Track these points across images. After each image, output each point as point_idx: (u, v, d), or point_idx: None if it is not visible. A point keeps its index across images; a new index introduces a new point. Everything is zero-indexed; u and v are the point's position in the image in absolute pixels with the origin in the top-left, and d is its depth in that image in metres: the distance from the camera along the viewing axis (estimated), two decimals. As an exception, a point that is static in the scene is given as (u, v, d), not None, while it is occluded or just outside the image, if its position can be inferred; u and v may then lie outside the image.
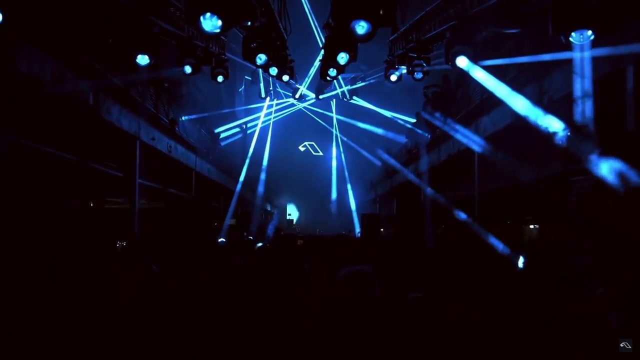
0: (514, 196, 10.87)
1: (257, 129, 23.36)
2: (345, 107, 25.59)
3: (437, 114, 14.33)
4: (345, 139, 27.66)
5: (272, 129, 25.03)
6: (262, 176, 21.12)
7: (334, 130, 28.20)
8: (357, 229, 23.72)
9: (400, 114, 19.50)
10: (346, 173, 28.34)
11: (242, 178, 18.88)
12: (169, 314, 2.93)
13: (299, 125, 27.92)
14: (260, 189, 20.56)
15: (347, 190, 27.92)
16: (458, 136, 12.20)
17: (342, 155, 28.54)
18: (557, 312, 2.67)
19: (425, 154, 15.74)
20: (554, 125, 7.06)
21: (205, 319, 2.95)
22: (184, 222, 14.92)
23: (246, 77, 23.29)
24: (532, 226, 12.26)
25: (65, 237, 8.13)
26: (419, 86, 14.89)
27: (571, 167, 7.21)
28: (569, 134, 6.68)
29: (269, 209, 27.43)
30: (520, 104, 8.00)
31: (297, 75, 20.84)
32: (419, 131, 16.69)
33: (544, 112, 7.25)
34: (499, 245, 9.07)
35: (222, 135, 19.89)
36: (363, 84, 21.58)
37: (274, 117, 24.63)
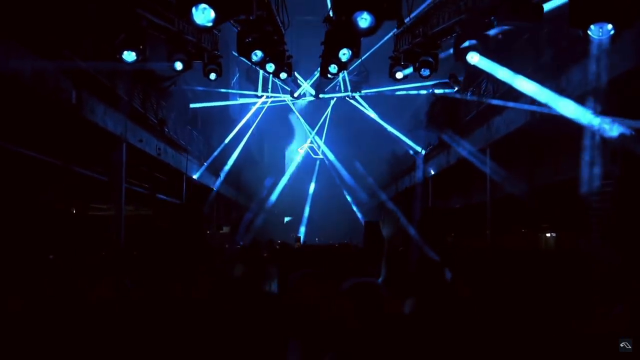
0: (528, 202, 10.82)
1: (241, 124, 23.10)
2: (342, 114, 25.59)
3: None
4: (329, 159, 27.94)
5: (263, 126, 25.01)
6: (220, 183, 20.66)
7: (315, 142, 28.31)
8: (302, 237, 23.53)
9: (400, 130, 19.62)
10: (315, 177, 28.51)
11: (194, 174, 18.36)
12: (142, 331, 2.88)
13: (290, 125, 28.04)
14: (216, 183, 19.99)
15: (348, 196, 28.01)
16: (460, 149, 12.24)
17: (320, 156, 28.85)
18: (569, 329, 2.63)
19: (422, 164, 15.80)
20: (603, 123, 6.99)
21: (186, 337, 2.91)
22: (173, 230, 14.82)
23: (234, 53, 23.00)
24: (548, 234, 12.20)
25: (47, 246, 8.06)
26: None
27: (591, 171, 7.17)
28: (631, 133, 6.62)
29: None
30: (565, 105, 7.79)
31: (303, 72, 20.86)
32: (412, 146, 16.78)
33: (593, 112, 7.14)
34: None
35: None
36: (367, 92, 21.60)
37: (267, 108, 24.39)
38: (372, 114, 22.28)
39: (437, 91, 15.01)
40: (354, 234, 24.47)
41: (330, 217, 28.65)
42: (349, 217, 27.47)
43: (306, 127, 27.68)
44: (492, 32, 7.94)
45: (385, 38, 10.23)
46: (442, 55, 8.85)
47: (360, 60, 20.07)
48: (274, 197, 25.37)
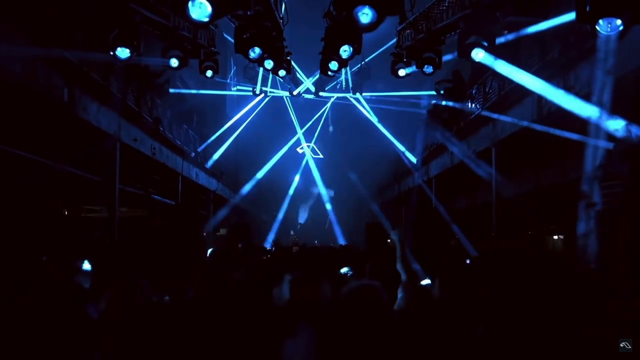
0: (535, 203, 10.82)
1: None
2: (342, 112, 25.60)
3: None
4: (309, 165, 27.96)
5: (261, 126, 24.97)
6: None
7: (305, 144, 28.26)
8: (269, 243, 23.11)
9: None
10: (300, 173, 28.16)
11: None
12: (157, 335, 2.89)
13: (291, 124, 28.01)
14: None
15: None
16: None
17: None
18: (563, 338, 2.66)
19: (417, 172, 15.89)
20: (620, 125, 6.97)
21: (193, 343, 2.91)
22: (169, 232, 14.83)
23: (238, 87, 23.26)
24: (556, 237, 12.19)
25: (37, 250, 8.06)
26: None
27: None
28: None
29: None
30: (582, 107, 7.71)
31: (305, 69, 20.88)
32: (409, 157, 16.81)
33: (603, 110, 7.11)
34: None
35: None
36: (369, 95, 21.64)
37: (266, 105, 24.31)
38: (371, 117, 22.36)
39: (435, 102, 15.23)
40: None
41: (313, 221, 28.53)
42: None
43: (297, 127, 27.59)
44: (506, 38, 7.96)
45: (390, 43, 10.26)
46: (446, 58, 8.87)
47: (365, 62, 20.32)
48: (247, 187, 24.16)
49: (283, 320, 2.98)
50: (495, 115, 10.97)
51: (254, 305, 3.38)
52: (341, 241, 23.79)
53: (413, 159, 19.00)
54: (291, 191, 28.57)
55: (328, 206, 28.29)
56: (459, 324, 2.88)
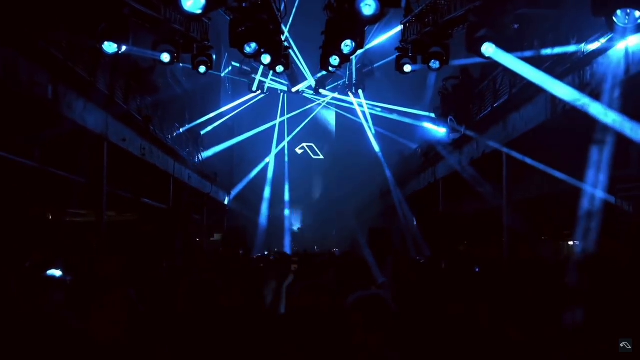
0: (549, 207, 10.77)
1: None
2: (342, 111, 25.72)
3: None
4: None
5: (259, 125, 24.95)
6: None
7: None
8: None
9: (415, 109, 19.41)
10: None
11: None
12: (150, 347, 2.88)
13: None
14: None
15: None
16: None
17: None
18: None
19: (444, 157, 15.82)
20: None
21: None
22: (160, 238, 14.81)
23: (233, 62, 23.23)
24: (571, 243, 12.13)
25: (17, 256, 8.01)
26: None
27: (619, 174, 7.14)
28: None
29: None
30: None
31: (314, 66, 20.94)
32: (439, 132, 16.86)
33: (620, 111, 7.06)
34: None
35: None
36: (370, 104, 21.82)
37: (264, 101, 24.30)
38: (366, 118, 22.51)
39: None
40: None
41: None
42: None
43: (278, 119, 27.45)
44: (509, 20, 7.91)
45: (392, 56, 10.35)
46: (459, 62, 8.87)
47: (373, 66, 20.48)
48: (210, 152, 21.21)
49: (280, 330, 2.97)
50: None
51: (249, 315, 3.37)
52: (287, 249, 23.66)
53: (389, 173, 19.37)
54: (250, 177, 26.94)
55: (286, 212, 28.24)
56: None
